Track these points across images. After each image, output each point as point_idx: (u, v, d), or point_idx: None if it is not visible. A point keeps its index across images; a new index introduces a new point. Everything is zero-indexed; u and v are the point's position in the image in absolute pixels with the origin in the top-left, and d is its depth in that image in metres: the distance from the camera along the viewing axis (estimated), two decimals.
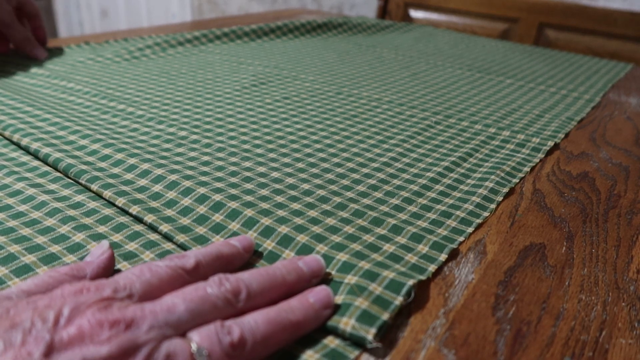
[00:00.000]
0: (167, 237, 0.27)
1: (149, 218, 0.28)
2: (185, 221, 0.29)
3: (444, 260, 0.27)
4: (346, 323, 0.21)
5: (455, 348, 0.22)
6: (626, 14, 1.05)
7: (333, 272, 0.25)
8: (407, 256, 0.27)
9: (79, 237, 0.27)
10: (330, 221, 0.29)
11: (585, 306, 0.25)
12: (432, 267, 0.26)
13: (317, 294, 0.22)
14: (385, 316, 0.22)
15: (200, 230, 0.28)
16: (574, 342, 0.22)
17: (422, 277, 0.25)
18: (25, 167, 0.34)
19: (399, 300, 0.23)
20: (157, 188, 0.32)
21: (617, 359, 0.22)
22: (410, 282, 0.24)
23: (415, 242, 0.28)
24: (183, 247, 0.27)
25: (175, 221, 0.28)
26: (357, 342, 0.21)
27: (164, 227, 0.27)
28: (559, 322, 0.24)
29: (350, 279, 0.24)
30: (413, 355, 0.21)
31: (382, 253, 0.27)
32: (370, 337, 0.21)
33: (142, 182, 0.32)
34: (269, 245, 0.27)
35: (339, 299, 0.23)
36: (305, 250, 0.26)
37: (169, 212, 0.29)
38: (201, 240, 0.27)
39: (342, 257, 0.26)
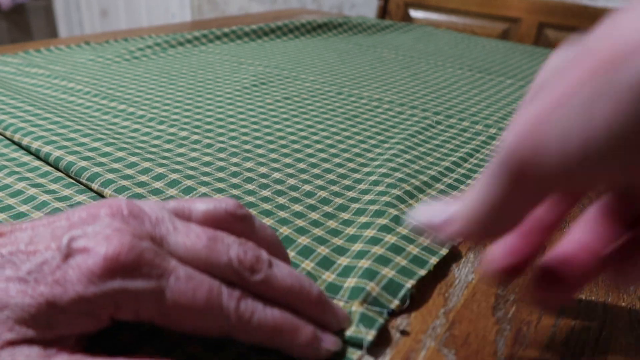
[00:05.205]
0: None
1: None
2: None
3: (444, 253, 0.27)
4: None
5: (455, 348, 0.22)
6: None
7: (333, 276, 0.25)
8: (408, 247, 0.27)
9: None
10: (332, 224, 0.29)
11: (585, 306, 0.25)
12: (433, 260, 0.26)
13: (327, 337, 0.21)
14: (381, 319, 0.22)
15: None
16: (574, 342, 0.23)
17: (423, 272, 0.25)
18: (26, 167, 0.34)
19: (394, 304, 0.23)
20: (158, 185, 0.32)
21: (617, 359, 0.22)
22: (409, 284, 0.24)
23: (417, 234, 0.28)
24: None
25: None
26: (355, 344, 0.21)
27: None
28: (559, 322, 0.24)
29: (350, 281, 0.24)
30: (413, 355, 0.21)
31: (384, 245, 0.26)
32: (370, 338, 0.21)
33: (143, 178, 0.32)
34: None
35: (338, 303, 0.23)
36: (306, 252, 0.26)
37: None
38: None
39: (343, 261, 0.26)
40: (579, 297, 0.25)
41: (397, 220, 0.29)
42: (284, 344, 0.20)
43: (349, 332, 0.21)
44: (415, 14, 1.27)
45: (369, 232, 0.28)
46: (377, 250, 0.26)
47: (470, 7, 1.20)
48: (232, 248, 0.19)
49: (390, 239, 0.27)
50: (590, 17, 1.08)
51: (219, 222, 0.21)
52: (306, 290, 0.20)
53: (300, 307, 0.20)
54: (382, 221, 0.29)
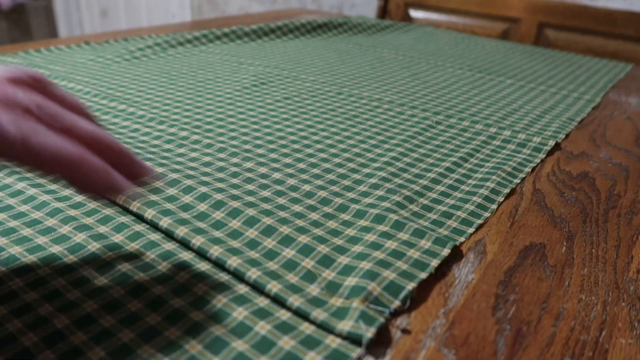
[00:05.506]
0: (168, 234, 0.27)
1: (149, 214, 0.28)
2: (185, 215, 0.29)
3: (446, 255, 0.27)
4: (345, 324, 0.22)
5: (455, 348, 0.22)
6: (626, 14, 1.05)
7: (333, 274, 0.25)
8: (409, 252, 0.27)
9: (80, 237, 0.27)
10: (332, 224, 0.29)
11: (585, 306, 0.25)
12: (434, 262, 0.26)
13: (123, 180, 0.21)
14: (382, 318, 0.22)
15: (200, 224, 0.28)
16: (574, 342, 0.23)
17: (424, 275, 0.25)
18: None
19: (395, 304, 0.23)
20: (158, 184, 0.32)
21: (617, 359, 0.22)
22: (410, 286, 0.24)
23: (418, 237, 0.28)
24: (183, 242, 0.27)
25: (175, 214, 0.28)
26: (355, 340, 0.21)
27: (164, 222, 0.27)
28: (559, 322, 0.24)
29: (351, 280, 0.24)
30: (413, 355, 0.21)
31: (385, 250, 0.27)
32: (369, 335, 0.21)
33: None
34: (269, 244, 0.27)
35: (337, 300, 0.23)
36: (306, 250, 0.26)
37: (169, 206, 0.29)
38: (200, 232, 0.27)
39: (344, 260, 0.26)
40: (579, 296, 0.25)
41: (397, 226, 0.29)
42: (72, 175, 0.19)
43: (348, 327, 0.21)
44: (415, 14, 1.27)
45: (370, 237, 0.28)
46: (378, 254, 0.26)
47: (470, 7, 1.20)
48: (31, 97, 0.19)
49: (390, 244, 0.27)
50: (590, 17, 1.08)
51: (21, 85, 0.21)
52: (110, 140, 0.21)
53: (105, 155, 0.21)
54: (382, 228, 0.29)
